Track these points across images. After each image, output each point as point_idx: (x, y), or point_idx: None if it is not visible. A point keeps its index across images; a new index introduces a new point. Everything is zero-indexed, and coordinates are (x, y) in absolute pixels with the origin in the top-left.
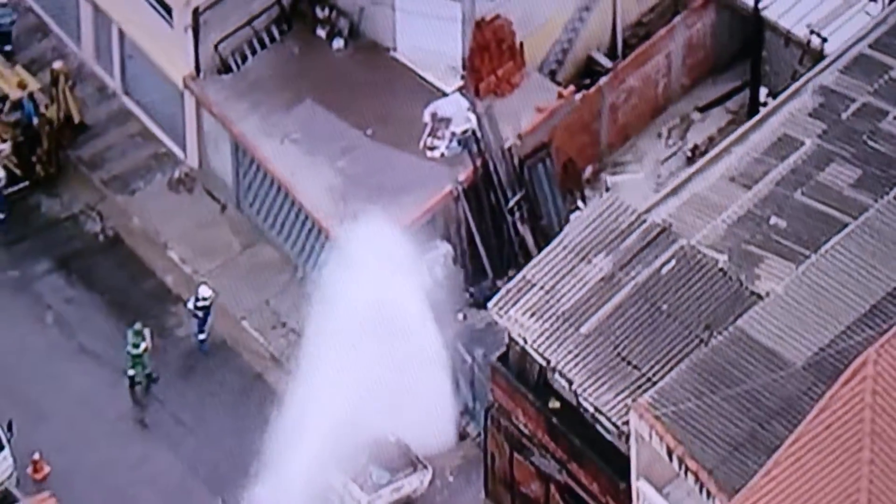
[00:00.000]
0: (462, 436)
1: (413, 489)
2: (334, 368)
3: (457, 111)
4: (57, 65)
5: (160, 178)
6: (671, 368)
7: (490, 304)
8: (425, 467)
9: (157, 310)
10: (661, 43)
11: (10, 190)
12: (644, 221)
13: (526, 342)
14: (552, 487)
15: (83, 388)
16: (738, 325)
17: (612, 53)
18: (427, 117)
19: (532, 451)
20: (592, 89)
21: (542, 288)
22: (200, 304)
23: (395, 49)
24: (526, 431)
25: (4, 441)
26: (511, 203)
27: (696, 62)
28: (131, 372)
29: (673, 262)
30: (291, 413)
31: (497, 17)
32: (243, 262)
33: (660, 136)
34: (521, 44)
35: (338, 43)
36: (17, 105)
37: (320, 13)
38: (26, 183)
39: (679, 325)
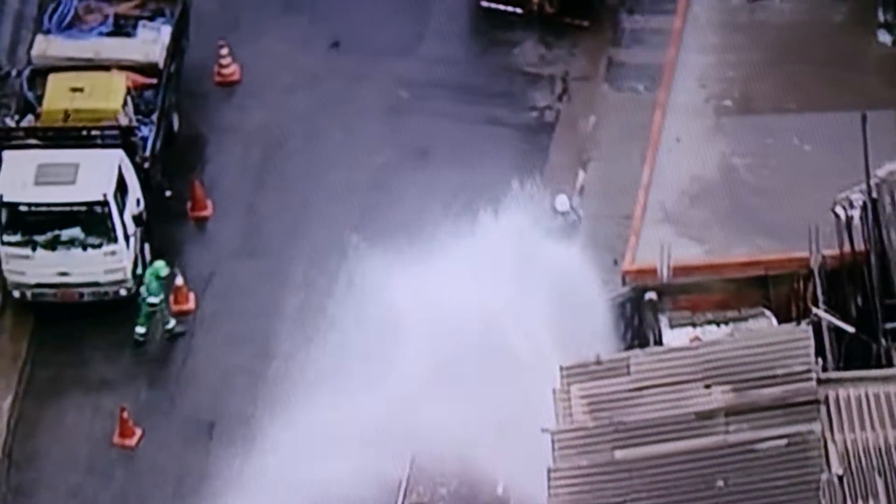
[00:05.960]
0: None
1: None
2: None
3: None
4: None
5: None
6: None
7: (562, 366)
8: None
9: None
10: None
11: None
12: (807, 381)
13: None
14: None
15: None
16: None
17: None
18: (883, 171)
19: None
20: None
21: (632, 381)
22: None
23: None
24: None
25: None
26: None
27: None
28: None
29: (784, 441)
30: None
31: None
32: None
33: None
34: None
35: (885, 37)
36: None
37: None
38: (518, 10)
39: None
